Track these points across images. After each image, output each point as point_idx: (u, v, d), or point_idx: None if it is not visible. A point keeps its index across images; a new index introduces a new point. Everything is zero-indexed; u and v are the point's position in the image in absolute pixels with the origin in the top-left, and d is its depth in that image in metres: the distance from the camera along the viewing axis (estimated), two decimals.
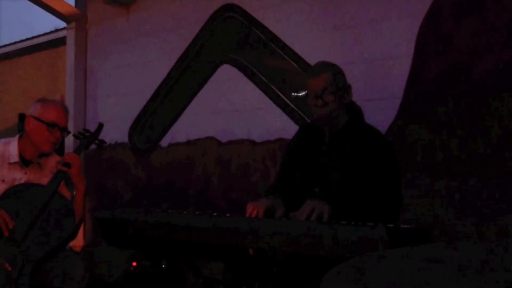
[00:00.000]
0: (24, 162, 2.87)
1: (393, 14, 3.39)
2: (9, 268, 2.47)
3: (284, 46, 3.93)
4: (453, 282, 1.05)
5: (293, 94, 3.85)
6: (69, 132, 2.98)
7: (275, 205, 2.45)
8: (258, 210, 2.37)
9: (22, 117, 6.93)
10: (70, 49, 5.46)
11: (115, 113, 4.99)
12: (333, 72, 2.53)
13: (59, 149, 4.19)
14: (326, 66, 2.59)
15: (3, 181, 2.82)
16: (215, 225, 2.11)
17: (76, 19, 5.36)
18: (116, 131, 4.92)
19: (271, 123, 3.97)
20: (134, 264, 3.65)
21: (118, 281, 3.92)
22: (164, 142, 4.71)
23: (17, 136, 2.92)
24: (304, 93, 2.61)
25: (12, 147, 2.87)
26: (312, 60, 3.46)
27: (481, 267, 1.16)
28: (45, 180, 2.85)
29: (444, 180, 3.10)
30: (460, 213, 3.02)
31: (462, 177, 3.03)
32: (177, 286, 3.55)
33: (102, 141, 3.09)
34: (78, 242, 4.81)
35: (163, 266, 3.56)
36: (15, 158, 2.85)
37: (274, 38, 3.98)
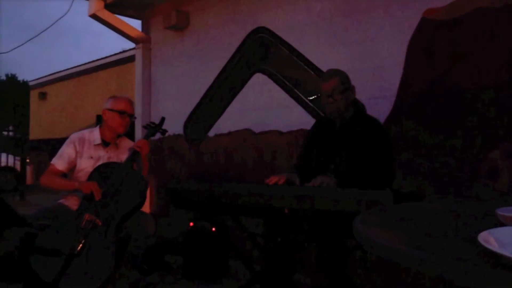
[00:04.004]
0: (105, 143, 2.97)
1: (388, 31, 3.36)
2: (99, 223, 2.51)
3: (303, 58, 3.92)
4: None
5: (309, 98, 3.86)
6: (135, 118, 2.99)
7: (292, 177, 2.50)
8: (279, 179, 2.42)
9: (99, 117, 7.12)
10: (138, 64, 5.52)
11: (173, 112, 4.99)
12: (340, 77, 2.57)
13: (131, 136, 4.32)
14: (335, 72, 2.62)
15: (91, 157, 2.92)
16: (257, 191, 2.10)
17: (142, 41, 5.43)
18: (174, 126, 4.91)
19: (294, 117, 3.95)
20: (191, 224, 3.69)
21: (178, 238, 3.96)
22: (211, 133, 4.71)
23: (98, 126, 3.03)
24: (318, 94, 2.67)
25: (95, 133, 2.98)
26: (324, 68, 3.45)
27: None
28: (121, 156, 2.94)
29: (427, 162, 3.09)
30: (439, 189, 3.01)
31: (443, 159, 3.02)
32: (224, 240, 3.67)
33: (165, 130, 3.11)
34: (145, 209, 4.91)
35: (214, 229, 3.66)
36: (98, 140, 2.95)
37: (295, 52, 3.98)
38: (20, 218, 2.24)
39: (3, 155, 10.66)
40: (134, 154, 2.84)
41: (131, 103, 3.03)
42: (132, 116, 3.02)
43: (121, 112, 2.94)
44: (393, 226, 1.02)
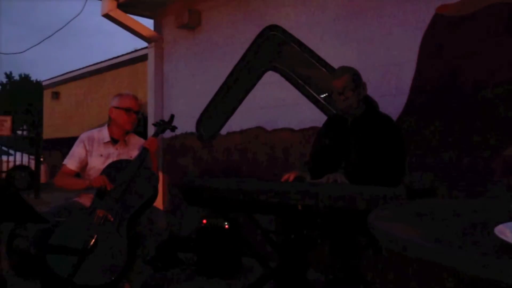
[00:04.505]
0: (114, 141, 3.01)
1: (400, 28, 3.35)
2: (111, 219, 2.54)
3: (314, 55, 3.92)
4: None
5: (321, 96, 3.85)
6: (142, 114, 3.02)
7: (302, 174, 2.52)
8: (289, 176, 2.46)
9: None
10: (150, 63, 5.54)
11: (185, 110, 5.01)
12: (351, 74, 2.56)
13: (143, 134, 4.34)
14: (346, 69, 2.61)
15: (101, 155, 2.96)
16: (271, 188, 2.10)
17: (155, 40, 5.45)
18: (186, 124, 4.95)
19: (305, 114, 3.95)
20: (204, 221, 3.71)
21: (191, 235, 3.99)
22: (223, 131, 4.71)
23: (106, 125, 3.08)
24: (330, 92, 2.67)
25: (104, 132, 3.03)
26: (336, 65, 3.43)
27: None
28: (131, 153, 2.98)
29: (438, 158, 3.08)
30: (452, 186, 3.00)
31: (457, 156, 3.01)
32: (237, 237, 3.68)
33: (174, 127, 3.13)
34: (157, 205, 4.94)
35: (226, 225, 3.67)
36: (107, 138, 3.00)
37: (307, 49, 3.98)
38: (37, 214, 2.27)
39: (18, 154, 10.78)
40: (145, 150, 2.88)
41: (136, 99, 3.07)
42: (138, 113, 3.05)
43: (127, 109, 2.98)
44: (409, 220, 1.02)
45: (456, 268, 0.66)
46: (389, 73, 3.40)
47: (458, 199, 2.21)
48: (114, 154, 2.99)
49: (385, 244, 0.84)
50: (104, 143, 3.00)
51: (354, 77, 2.56)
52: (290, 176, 2.47)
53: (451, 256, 0.69)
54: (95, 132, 3.06)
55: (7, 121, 9.63)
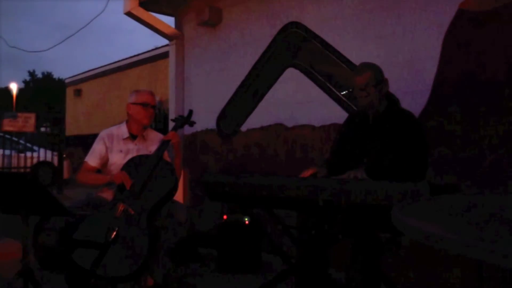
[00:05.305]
0: (132, 136, 3.09)
1: (423, 24, 3.31)
2: (132, 212, 2.60)
3: (335, 52, 3.91)
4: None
5: (342, 93, 3.83)
6: (163, 111, 3.08)
7: (320, 171, 2.53)
8: (306, 173, 2.49)
9: None
10: (171, 60, 5.59)
11: (206, 106, 5.04)
12: (373, 70, 2.56)
13: (164, 130, 4.39)
14: (368, 66, 2.61)
15: (121, 151, 3.04)
16: (292, 183, 2.09)
17: (176, 37, 5.49)
18: (206, 120, 5.00)
19: (326, 111, 3.93)
20: (225, 217, 3.74)
21: (211, 231, 4.02)
22: (243, 128, 4.72)
23: (125, 121, 3.14)
24: (351, 89, 2.66)
25: (122, 128, 3.10)
26: (357, 62, 3.39)
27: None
28: (150, 148, 3.03)
29: (461, 155, 3.05)
30: (475, 183, 2.96)
31: (480, 153, 2.98)
32: (258, 233, 3.70)
33: (192, 122, 3.15)
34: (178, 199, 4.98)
35: (246, 221, 3.70)
36: (126, 134, 3.07)
37: (327, 46, 3.96)
38: (64, 208, 2.33)
39: (41, 150, 11.00)
40: (163, 144, 2.92)
41: (152, 94, 3.14)
42: (155, 107, 3.12)
43: (144, 104, 3.04)
44: (432, 215, 1.02)
45: (479, 258, 0.67)
46: (411, 69, 3.38)
47: (481, 194, 2.19)
48: (134, 149, 3.06)
49: (411, 236, 0.85)
50: (123, 139, 3.07)
51: (376, 74, 2.56)
52: (308, 172, 2.49)
53: (474, 247, 0.69)
54: (114, 129, 3.13)
55: (31, 118, 9.81)
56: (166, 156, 3.01)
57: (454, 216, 1.02)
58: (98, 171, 3.07)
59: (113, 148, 3.05)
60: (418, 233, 0.81)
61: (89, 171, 3.02)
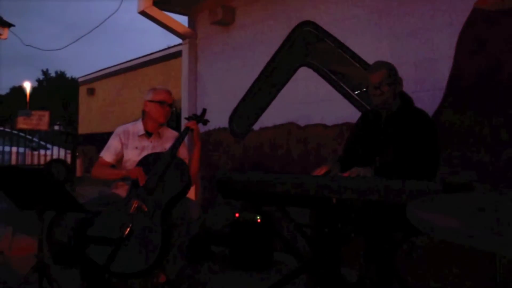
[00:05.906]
0: (148, 133, 3.10)
1: (437, 23, 3.31)
2: (146, 209, 2.60)
3: (348, 51, 3.91)
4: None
5: (355, 92, 3.84)
6: (174, 107, 3.11)
7: (332, 168, 2.53)
8: (320, 170, 2.49)
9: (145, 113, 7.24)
10: (184, 59, 5.61)
11: (219, 105, 5.06)
12: (388, 69, 2.56)
13: (176, 129, 4.42)
14: (382, 64, 2.61)
15: (136, 148, 3.06)
16: (305, 181, 2.09)
17: (189, 36, 5.52)
18: (219, 119, 5.02)
19: (339, 110, 3.94)
20: (237, 215, 3.75)
21: (224, 229, 4.04)
22: (256, 126, 4.75)
23: (140, 118, 3.16)
24: (364, 88, 2.66)
25: (138, 125, 3.12)
26: (370, 61, 3.42)
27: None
28: (165, 145, 3.05)
29: (475, 154, 3.04)
30: (489, 182, 2.94)
31: (494, 152, 2.95)
32: (270, 231, 3.71)
33: (206, 120, 3.16)
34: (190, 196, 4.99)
35: (258, 219, 3.71)
36: (141, 131, 3.09)
37: (341, 45, 3.97)
38: (79, 204, 2.36)
39: (55, 148, 11.11)
40: (186, 129, 2.97)
41: (169, 93, 3.16)
42: (171, 106, 3.12)
43: (161, 102, 3.06)
44: (448, 211, 1.03)
45: (493, 252, 0.68)
46: (425, 68, 3.36)
47: (496, 192, 2.18)
48: (149, 146, 3.07)
49: (427, 231, 0.85)
50: (139, 136, 3.09)
51: (390, 72, 2.56)
52: (321, 170, 2.49)
53: (488, 240, 0.70)
54: (130, 126, 3.15)
55: (45, 116, 9.91)
56: (182, 153, 3.03)
57: (470, 212, 1.02)
58: (113, 167, 3.09)
59: (129, 145, 3.07)
60: (433, 227, 0.82)
61: (104, 166, 3.04)
